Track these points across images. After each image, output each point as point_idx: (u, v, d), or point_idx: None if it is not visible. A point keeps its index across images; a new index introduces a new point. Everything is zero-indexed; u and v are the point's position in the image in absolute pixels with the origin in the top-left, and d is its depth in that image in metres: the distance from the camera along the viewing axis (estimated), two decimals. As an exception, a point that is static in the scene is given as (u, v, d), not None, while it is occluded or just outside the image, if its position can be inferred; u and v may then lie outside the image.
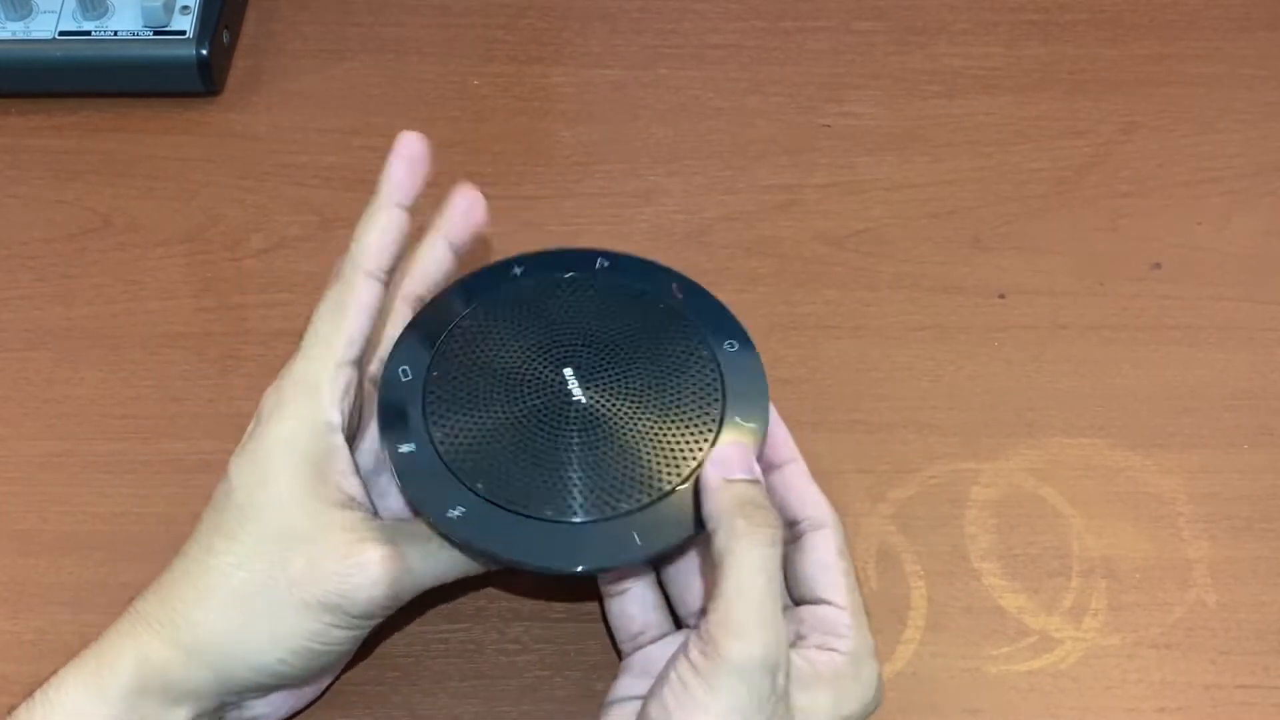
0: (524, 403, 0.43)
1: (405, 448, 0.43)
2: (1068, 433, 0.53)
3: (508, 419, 0.43)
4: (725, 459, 0.41)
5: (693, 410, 0.43)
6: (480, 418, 0.43)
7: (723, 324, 0.46)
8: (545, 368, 0.44)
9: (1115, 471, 0.52)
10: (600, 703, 0.45)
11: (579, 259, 0.47)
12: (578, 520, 0.42)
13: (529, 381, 0.44)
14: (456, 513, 0.41)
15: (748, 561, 0.39)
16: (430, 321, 0.46)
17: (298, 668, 0.41)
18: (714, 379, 0.44)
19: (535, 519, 0.42)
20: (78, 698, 0.40)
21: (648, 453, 0.43)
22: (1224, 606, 0.49)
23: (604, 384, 0.44)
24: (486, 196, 0.61)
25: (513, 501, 0.42)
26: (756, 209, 0.60)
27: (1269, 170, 0.61)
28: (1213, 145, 0.62)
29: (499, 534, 0.41)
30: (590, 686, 0.48)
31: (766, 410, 0.44)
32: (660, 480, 0.42)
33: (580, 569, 0.42)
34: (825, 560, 0.42)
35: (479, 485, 0.42)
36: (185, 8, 0.62)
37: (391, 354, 0.45)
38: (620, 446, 0.43)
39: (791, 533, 0.43)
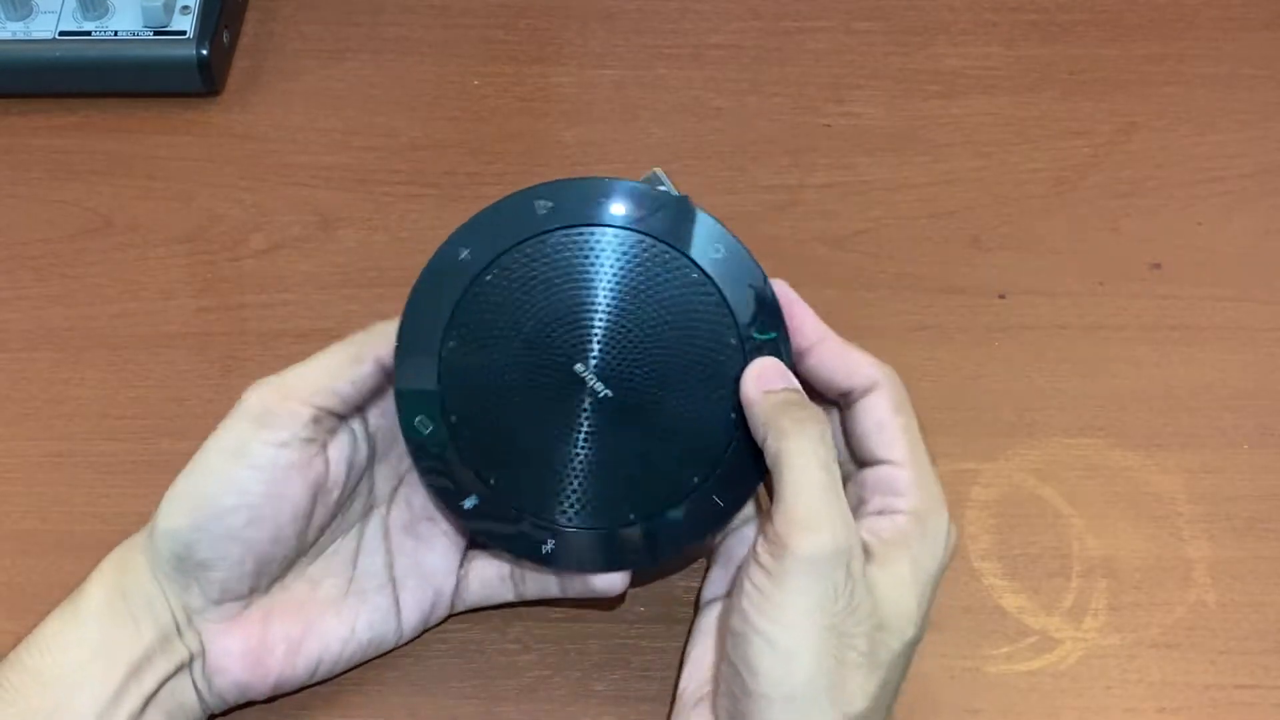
0: (542, 398, 0.43)
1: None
2: (1068, 433, 0.53)
3: (525, 412, 0.43)
4: (762, 373, 0.42)
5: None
6: (499, 409, 0.43)
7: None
8: (561, 358, 0.43)
9: (1115, 471, 0.52)
10: (599, 699, 0.45)
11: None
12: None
13: (546, 375, 0.43)
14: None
15: (800, 458, 0.39)
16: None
17: (217, 491, 0.42)
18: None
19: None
20: (55, 624, 0.42)
21: (669, 450, 0.43)
22: (1224, 606, 0.49)
23: (620, 373, 0.43)
24: (486, 197, 0.61)
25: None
26: (756, 209, 0.60)
27: (1269, 170, 0.61)
28: (1213, 145, 0.62)
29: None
30: (590, 686, 0.48)
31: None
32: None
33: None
34: (880, 419, 0.42)
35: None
36: (185, 8, 0.62)
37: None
38: (642, 446, 0.43)
39: (846, 401, 0.43)
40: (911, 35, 0.66)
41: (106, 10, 0.62)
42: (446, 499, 0.44)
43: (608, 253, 0.43)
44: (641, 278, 0.43)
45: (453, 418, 0.43)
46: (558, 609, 0.49)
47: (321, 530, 0.46)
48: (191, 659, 0.43)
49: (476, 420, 0.43)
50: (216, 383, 0.55)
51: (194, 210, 0.60)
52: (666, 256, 0.44)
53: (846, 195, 0.61)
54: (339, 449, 0.44)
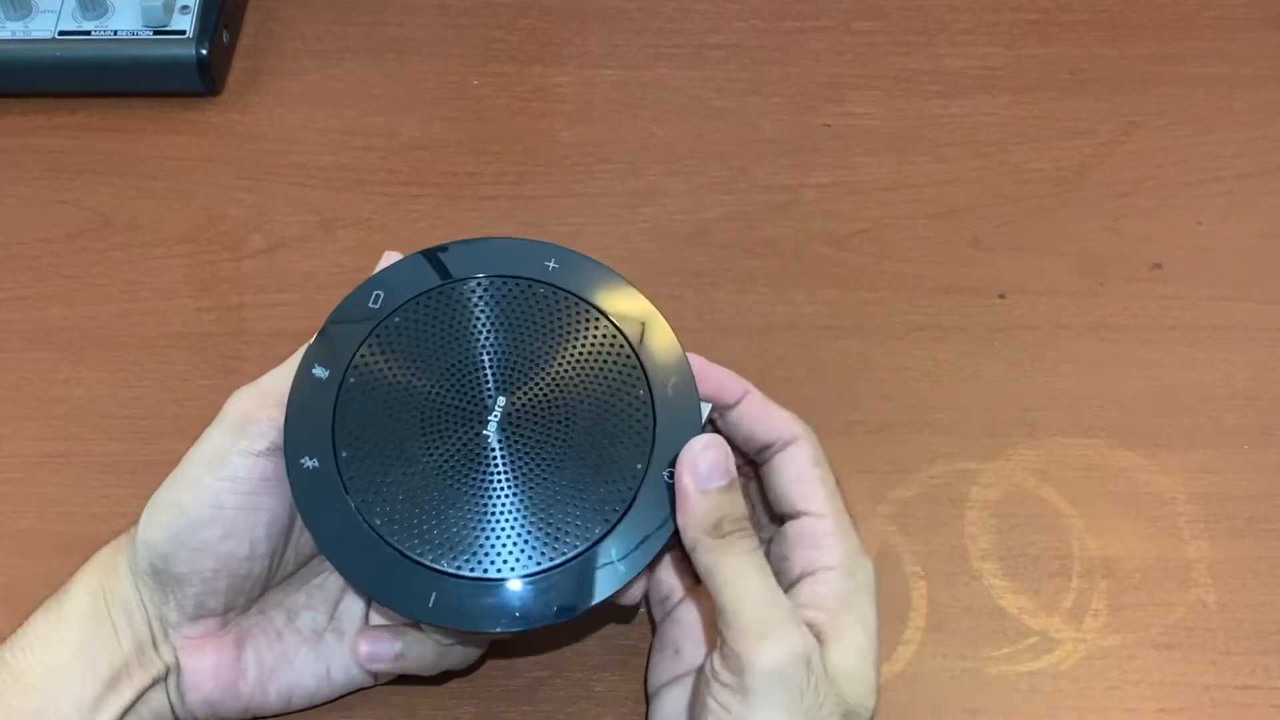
0: (440, 442, 0.41)
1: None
2: (1068, 433, 0.53)
3: (423, 458, 0.41)
4: (703, 468, 0.40)
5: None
6: (395, 452, 0.41)
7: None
8: (460, 402, 0.42)
9: (1115, 471, 0.52)
10: (599, 699, 0.45)
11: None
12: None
13: (444, 417, 0.42)
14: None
15: (735, 571, 0.39)
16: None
17: (193, 503, 0.41)
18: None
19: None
20: (38, 624, 0.42)
21: (573, 500, 0.41)
22: (1224, 606, 0.49)
23: (524, 426, 0.42)
24: (486, 197, 0.61)
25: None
26: (756, 209, 0.60)
27: (1269, 170, 0.61)
28: (1213, 145, 0.62)
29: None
30: (590, 687, 0.48)
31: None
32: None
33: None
34: (799, 470, 0.42)
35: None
36: (185, 8, 0.62)
37: (310, 347, 0.42)
38: (546, 493, 0.41)
39: (764, 457, 0.43)
40: (911, 35, 0.66)
41: (106, 10, 0.62)
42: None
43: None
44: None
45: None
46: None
47: (304, 560, 0.45)
48: (167, 673, 0.43)
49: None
50: (216, 383, 0.55)
51: (194, 210, 0.60)
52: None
53: (846, 195, 0.61)
54: None
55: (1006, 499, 0.52)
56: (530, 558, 0.40)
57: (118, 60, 0.62)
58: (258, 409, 0.42)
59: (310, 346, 0.43)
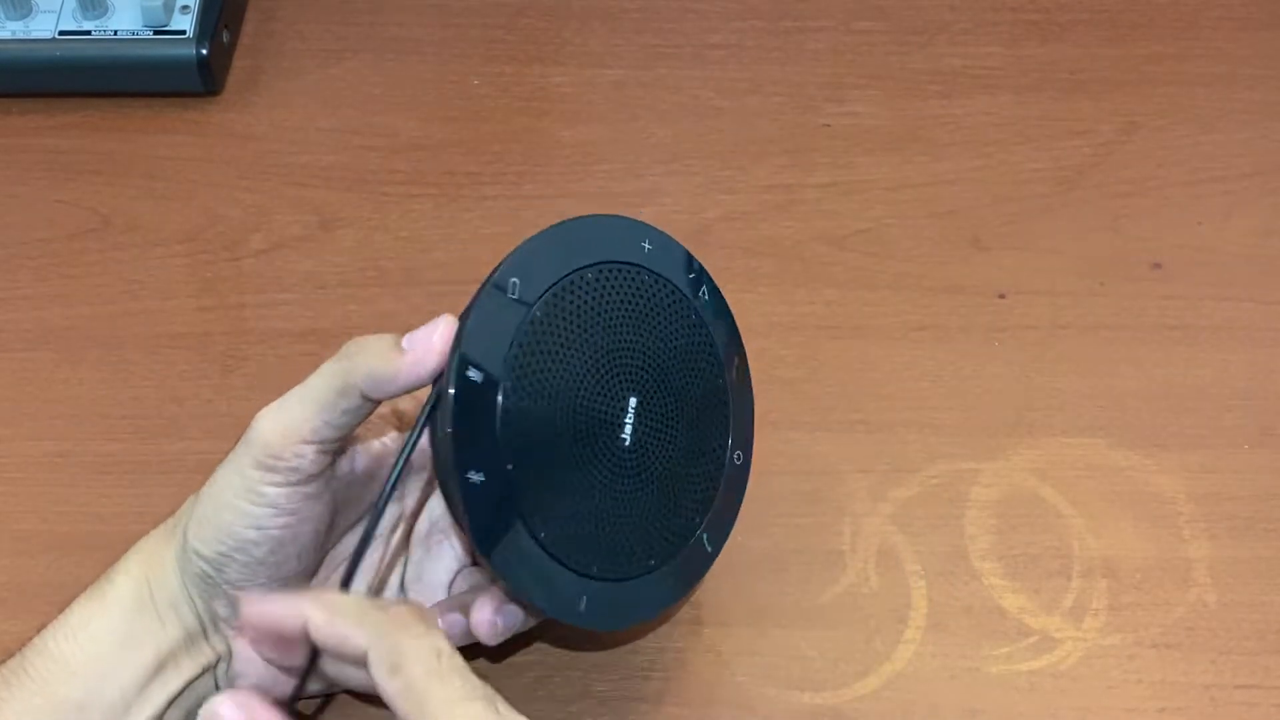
0: (588, 447, 0.41)
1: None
2: (1068, 433, 0.53)
3: (575, 465, 0.41)
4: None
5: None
6: (561, 468, 0.41)
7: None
8: (604, 403, 0.41)
9: (1115, 471, 0.52)
10: (598, 699, 0.45)
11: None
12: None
13: (591, 420, 0.41)
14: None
15: None
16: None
17: (238, 526, 0.41)
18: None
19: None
20: (82, 612, 0.42)
21: (681, 493, 0.43)
22: (1224, 606, 0.49)
23: (647, 426, 0.42)
24: (486, 196, 0.61)
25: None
26: (756, 209, 0.60)
27: (1269, 170, 0.61)
28: (1213, 145, 0.62)
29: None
30: (590, 687, 0.48)
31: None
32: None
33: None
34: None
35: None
36: (185, 7, 0.62)
37: (459, 348, 0.39)
38: (665, 488, 0.43)
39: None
40: (911, 35, 0.66)
41: (106, 10, 0.62)
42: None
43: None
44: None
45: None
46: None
47: (347, 529, 0.45)
48: (218, 660, 0.43)
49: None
50: (216, 383, 0.55)
51: (194, 210, 0.60)
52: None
53: (846, 195, 0.61)
54: (363, 460, 0.44)
55: (1006, 499, 0.52)
56: (658, 551, 0.43)
57: (118, 60, 0.62)
58: (282, 445, 0.40)
59: (458, 347, 0.39)
